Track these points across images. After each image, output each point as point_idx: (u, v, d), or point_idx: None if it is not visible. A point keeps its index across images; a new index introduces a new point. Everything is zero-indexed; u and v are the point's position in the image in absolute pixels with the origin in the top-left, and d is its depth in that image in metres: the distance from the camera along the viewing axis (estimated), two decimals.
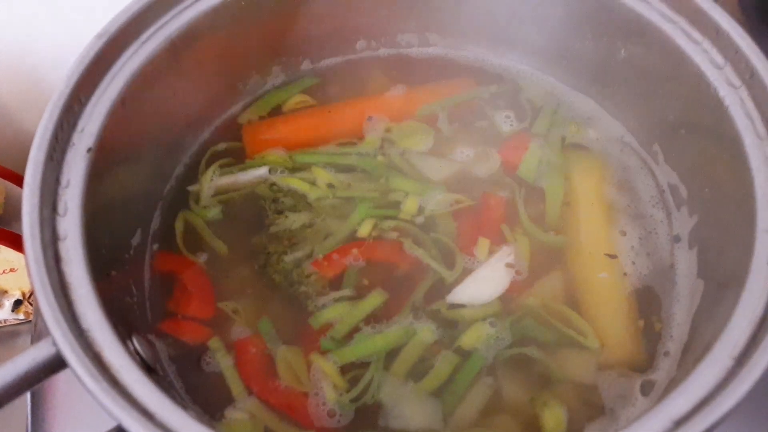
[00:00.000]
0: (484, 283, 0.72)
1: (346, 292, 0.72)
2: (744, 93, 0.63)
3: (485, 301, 0.71)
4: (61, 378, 0.54)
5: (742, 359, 0.51)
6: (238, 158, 0.82)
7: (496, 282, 0.72)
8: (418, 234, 0.76)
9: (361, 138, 0.83)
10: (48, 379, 0.53)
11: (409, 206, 0.77)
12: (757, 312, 0.53)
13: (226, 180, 0.80)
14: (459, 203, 0.78)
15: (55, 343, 0.51)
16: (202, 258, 0.76)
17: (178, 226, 0.78)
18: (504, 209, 0.78)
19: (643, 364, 0.69)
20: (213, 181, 0.80)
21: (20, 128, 1.07)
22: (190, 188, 0.80)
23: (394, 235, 0.76)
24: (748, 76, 0.63)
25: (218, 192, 0.80)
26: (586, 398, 0.67)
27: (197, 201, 0.79)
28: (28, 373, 0.52)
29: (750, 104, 0.62)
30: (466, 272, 0.73)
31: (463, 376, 0.67)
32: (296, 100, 0.86)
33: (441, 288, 0.73)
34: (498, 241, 0.75)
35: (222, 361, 0.69)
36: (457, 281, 0.72)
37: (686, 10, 0.67)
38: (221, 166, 0.81)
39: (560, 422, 0.66)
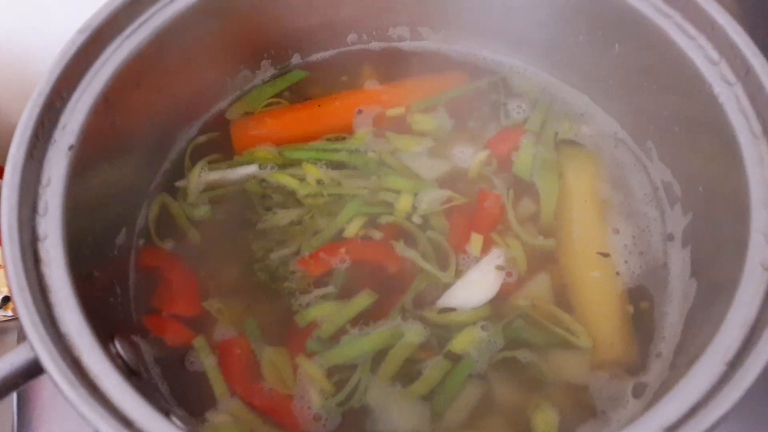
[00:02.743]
0: (474, 286, 0.71)
1: (330, 289, 0.71)
2: (739, 90, 0.62)
3: (476, 305, 0.70)
4: (47, 378, 0.53)
5: (734, 364, 0.50)
6: (226, 154, 0.81)
7: (487, 285, 0.71)
8: (412, 231, 0.75)
9: (351, 132, 0.82)
10: (27, 384, 0.53)
11: (403, 204, 0.76)
12: (750, 315, 0.52)
13: (215, 175, 0.79)
14: (452, 201, 0.77)
15: (33, 348, 0.50)
16: (170, 245, 0.76)
17: (153, 209, 0.77)
18: (497, 207, 0.76)
19: (635, 364, 0.68)
20: (201, 176, 0.79)
21: (3, 121, 1.06)
22: (178, 184, 0.79)
23: (379, 234, 0.74)
24: (743, 72, 0.62)
25: (207, 188, 0.79)
26: (577, 400, 0.67)
27: (185, 197, 0.78)
28: (5, 378, 0.51)
29: (745, 101, 0.61)
30: (460, 271, 0.72)
31: (453, 380, 0.67)
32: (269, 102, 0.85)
33: (433, 290, 0.72)
34: (491, 239, 0.74)
35: (205, 362, 0.68)
36: (449, 283, 0.71)
37: (681, 4, 0.66)
38: (210, 162, 0.80)
39: (552, 425, 0.65)
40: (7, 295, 1.11)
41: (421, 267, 0.72)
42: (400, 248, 0.73)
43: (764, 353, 0.48)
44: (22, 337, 0.83)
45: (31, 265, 0.54)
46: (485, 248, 0.74)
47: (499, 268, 0.72)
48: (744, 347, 0.51)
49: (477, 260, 0.73)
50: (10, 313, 1.11)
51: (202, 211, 0.77)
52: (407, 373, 0.67)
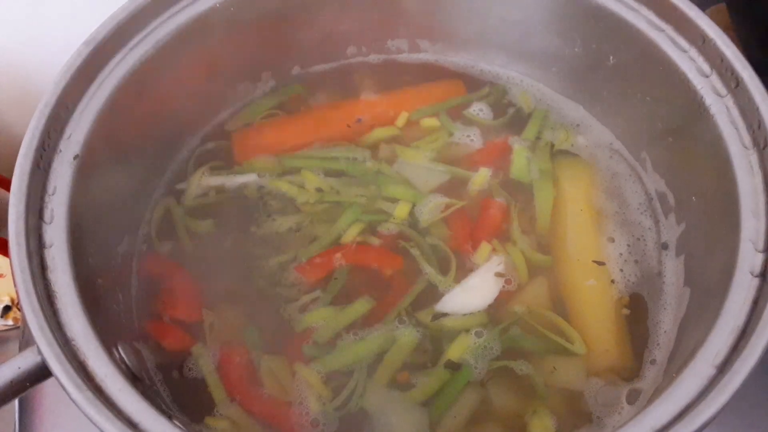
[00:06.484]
0: (473, 292, 0.72)
1: (326, 294, 0.72)
2: (730, 102, 0.63)
3: (473, 311, 0.71)
4: (49, 384, 0.54)
5: (723, 368, 0.51)
6: (228, 163, 0.82)
7: (486, 291, 0.72)
8: (412, 237, 0.75)
9: (350, 141, 0.83)
10: (34, 388, 0.54)
11: (400, 212, 0.77)
12: (739, 321, 0.53)
13: (216, 181, 0.80)
14: (451, 207, 0.77)
15: (40, 352, 0.51)
16: (171, 252, 0.77)
17: (156, 216, 0.78)
18: (500, 216, 0.77)
19: (630, 370, 0.69)
20: (202, 180, 0.80)
21: (9, 132, 1.07)
22: (180, 186, 0.80)
23: (377, 241, 0.75)
24: (733, 85, 0.63)
25: (208, 192, 0.80)
26: (573, 406, 0.67)
27: (186, 200, 0.79)
28: (13, 382, 0.52)
29: (735, 113, 0.63)
30: (461, 277, 0.73)
31: (451, 386, 0.67)
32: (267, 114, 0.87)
33: (430, 295, 0.72)
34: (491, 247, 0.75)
35: (204, 368, 0.69)
36: (447, 288, 0.73)
37: (673, 18, 0.68)
38: (212, 168, 0.81)
39: (548, 430, 0.66)
40: (8, 304, 1.12)
41: (423, 269, 0.73)
42: (405, 246, 0.74)
43: (752, 357, 0.50)
44: (24, 344, 0.84)
45: (38, 271, 0.55)
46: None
47: (499, 275, 0.73)
48: (732, 351, 0.52)
49: (476, 266, 0.74)
50: (10, 322, 1.12)
51: (202, 219, 0.78)
52: (405, 379, 0.68)
